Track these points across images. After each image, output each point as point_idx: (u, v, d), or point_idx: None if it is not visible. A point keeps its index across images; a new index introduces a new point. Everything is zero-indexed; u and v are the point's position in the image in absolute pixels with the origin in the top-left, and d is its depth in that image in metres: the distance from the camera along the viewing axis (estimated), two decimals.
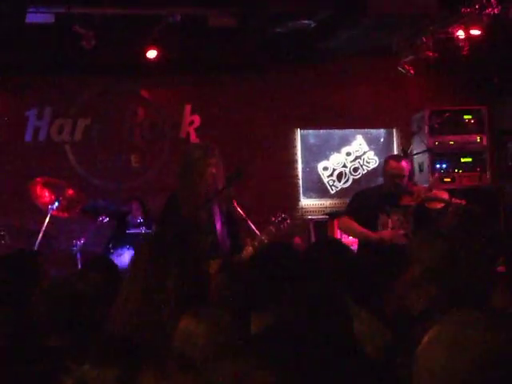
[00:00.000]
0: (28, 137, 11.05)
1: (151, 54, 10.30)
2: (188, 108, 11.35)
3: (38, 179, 9.59)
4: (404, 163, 7.64)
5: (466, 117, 10.69)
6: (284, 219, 6.82)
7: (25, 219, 9.98)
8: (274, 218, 6.84)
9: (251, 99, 11.38)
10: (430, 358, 1.74)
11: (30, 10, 9.31)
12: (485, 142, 10.59)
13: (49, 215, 9.28)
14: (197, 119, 11.35)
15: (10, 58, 10.33)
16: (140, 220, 9.80)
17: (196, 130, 11.33)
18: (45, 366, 2.91)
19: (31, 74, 10.70)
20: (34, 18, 9.48)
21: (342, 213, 10.03)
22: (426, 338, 1.79)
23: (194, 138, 11.30)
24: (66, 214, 9.69)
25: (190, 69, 10.95)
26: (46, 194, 9.49)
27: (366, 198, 7.62)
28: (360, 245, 7.64)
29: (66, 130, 11.18)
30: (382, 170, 8.03)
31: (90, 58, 10.19)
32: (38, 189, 9.53)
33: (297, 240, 9.59)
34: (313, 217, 10.95)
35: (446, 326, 1.78)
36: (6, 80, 10.74)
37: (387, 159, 7.97)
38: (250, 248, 6.56)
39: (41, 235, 9.16)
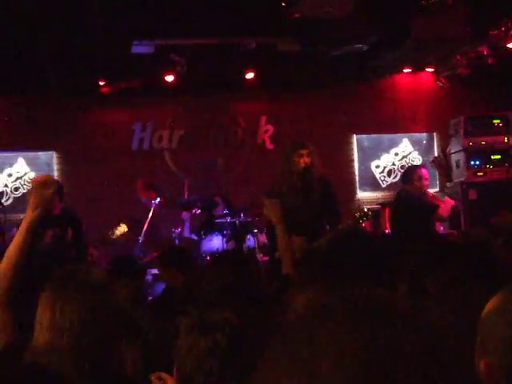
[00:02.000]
0: (134, 145, 11.37)
1: (244, 75, 10.64)
2: (263, 119, 11.62)
3: (143, 180, 9.91)
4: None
5: (494, 121, 10.82)
6: (365, 215, 6.58)
7: (134, 212, 9.96)
8: (356, 213, 6.63)
9: (315, 110, 11.54)
10: (494, 323, 1.61)
11: (135, 43, 9.63)
12: (511, 142, 10.73)
13: (152, 209, 9.56)
14: (271, 128, 11.62)
15: (118, 83, 10.65)
16: (225, 211, 9.83)
17: (270, 137, 11.60)
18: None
19: (136, 95, 10.93)
20: (137, 49, 9.78)
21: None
22: (489, 305, 1.66)
23: (268, 144, 11.60)
24: (165, 208, 9.94)
25: (265, 87, 11.14)
26: (150, 192, 9.76)
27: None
28: None
29: (165, 140, 11.49)
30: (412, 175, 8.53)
31: (183, 81, 10.47)
32: (143, 188, 9.86)
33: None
34: (368, 207, 10.13)
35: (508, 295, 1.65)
36: (116, 100, 11.01)
37: (420, 167, 8.75)
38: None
39: (146, 225, 9.46)
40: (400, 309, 1.02)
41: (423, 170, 8.51)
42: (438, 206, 8.30)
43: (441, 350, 0.97)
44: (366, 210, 6.77)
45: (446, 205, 8.37)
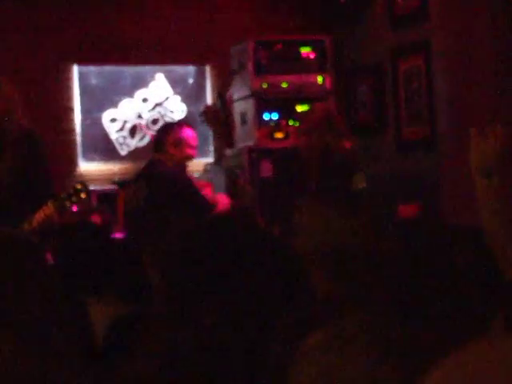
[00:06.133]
0: None
1: None
2: None
3: None
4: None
5: (303, 50, 8.17)
6: (77, 191, 5.44)
7: None
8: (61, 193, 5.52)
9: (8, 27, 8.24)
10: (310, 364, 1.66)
11: None
12: (328, 85, 8.00)
13: None
14: None
15: None
16: None
17: None
18: None
19: None
20: None
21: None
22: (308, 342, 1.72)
23: None
24: None
25: None
26: None
27: None
28: None
29: None
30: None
31: None
32: None
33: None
34: (96, 187, 7.84)
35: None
36: None
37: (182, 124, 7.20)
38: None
39: None
40: None
41: (186, 130, 6.79)
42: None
43: None
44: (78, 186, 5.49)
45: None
